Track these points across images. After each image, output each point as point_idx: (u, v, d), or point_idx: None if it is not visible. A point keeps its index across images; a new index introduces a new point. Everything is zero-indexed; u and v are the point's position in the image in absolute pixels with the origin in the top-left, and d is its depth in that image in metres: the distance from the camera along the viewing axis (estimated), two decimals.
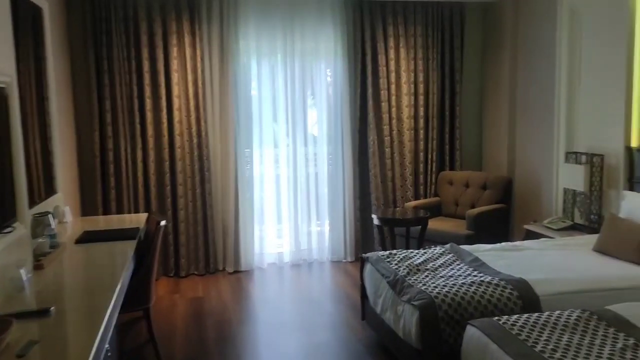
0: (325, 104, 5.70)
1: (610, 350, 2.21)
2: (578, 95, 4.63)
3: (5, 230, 2.65)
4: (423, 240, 4.78)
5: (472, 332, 2.53)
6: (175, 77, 5.14)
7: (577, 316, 2.51)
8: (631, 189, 4.10)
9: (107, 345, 2.00)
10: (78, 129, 5.04)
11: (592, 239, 3.89)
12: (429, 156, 5.79)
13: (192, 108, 5.21)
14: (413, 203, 5.43)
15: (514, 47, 5.52)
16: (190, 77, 5.18)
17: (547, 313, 2.58)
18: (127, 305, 3.42)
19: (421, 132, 5.74)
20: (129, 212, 5.07)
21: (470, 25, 5.89)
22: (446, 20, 5.70)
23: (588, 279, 3.10)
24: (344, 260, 5.66)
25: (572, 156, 4.58)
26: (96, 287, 2.50)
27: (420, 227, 4.77)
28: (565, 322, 2.47)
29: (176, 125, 5.19)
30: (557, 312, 2.60)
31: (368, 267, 3.72)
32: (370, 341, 3.71)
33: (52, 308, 2.05)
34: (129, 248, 3.11)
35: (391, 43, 5.58)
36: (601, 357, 2.15)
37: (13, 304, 2.15)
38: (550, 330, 2.40)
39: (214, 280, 5.17)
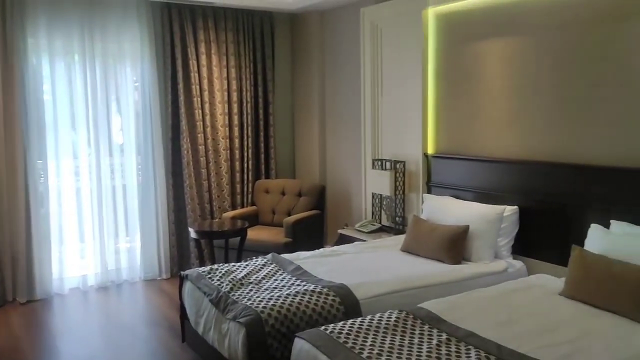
0: (132, 110, 5.28)
1: (427, 347, 2.34)
2: (381, 105, 4.96)
3: None
4: (242, 252, 4.68)
5: (300, 345, 2.49)
6: None
7: (396, 317, 2.63)
8: (429, 191, 4.51)
9: None
10: None
11: (399, 239, 4.17)
12: (245, 165, 5.72)
13: None
14: (231, 213, 5.30)
15: (321, 59, 5.74)
16: None
17: (369, 317, 2.66)
18: None
19: (236, 140, 5.64)
20: None
21: (281, 35, 5.98)
22: (257, 28, 5.70)
23: (400, 279, 3.29)
24: (159, 278, 5.30)
25: (378, 163, 4.89)
26: None
27: (239, 238, 4.66)
28: (386, 324, 2.57)
29: None
30: (378, 315, 2.69)
31: (188, 285, 3.49)
32: None
33: None
34: None
35: (202, 49, 5.39)
36: (421, 355, 2.26)
37: None
38: (373, 334, 2.47)
39: (2, 314, 4.42)
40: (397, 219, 4.75)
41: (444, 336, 2.44)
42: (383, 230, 4.81)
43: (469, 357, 2.23)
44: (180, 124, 5.36)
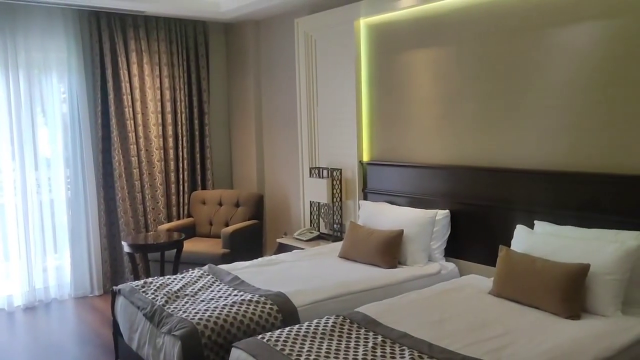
0: (60, 122, 5.09)
1: (363, 350, 2.38)
2: (317, 114, 5.01)
3: None
4: (179, 264, 4.59)
5: (237, 355, 2.47)
6: None
7: (333, 322, 2.66)
8: (365, 198, 4.59)
9: None
10: None
11: (337, 246, 4.22)
12: (181, 176, 5.63)
13: None
14: (166, 226, 5.19)
15: (257, 68, 5.75)
16: None
17: (306, 323, 2.67)
18: None
19: (171, 151, 5.54)
20: None
21: (215, 44, 5.95)
22: (190, 38, 5.65)
23: (337, 285, 3.33)
24: (91, 295, 5.11)
25: (315, 171, 4.94)
26: None
27: (175, 250, 4.57)
28: (323, 329, 2.59)
29: None
30: (315, 320, 2.71)
31: (120, 300, 3.39)
32: None
33: None
34: None
35: (134, 58, 5.28)
36: (357, 358, 2.29)
37: None
38: (310, 340, 2.49)
39: None
40: (335, 226, 4.80)
41: (380, 338, 2.48)
42: (321, 237, 4.85)
43: (403, 357, 2.29)
44: (111, 135, 5.21)
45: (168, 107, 5.50)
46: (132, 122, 5.29)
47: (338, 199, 4.74)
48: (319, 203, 4.95)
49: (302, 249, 4.50)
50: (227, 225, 5.29)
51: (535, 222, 3.34)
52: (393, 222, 3.94)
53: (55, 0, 4.57)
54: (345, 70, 4.64)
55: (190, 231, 5.36)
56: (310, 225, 5.02)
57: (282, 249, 4.80)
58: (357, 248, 3.91)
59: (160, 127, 5.48)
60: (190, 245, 4.92)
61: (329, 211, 4.88)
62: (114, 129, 5.20)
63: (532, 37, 3.40)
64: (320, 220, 5.00)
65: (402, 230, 3.79)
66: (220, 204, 5.49)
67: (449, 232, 3.90)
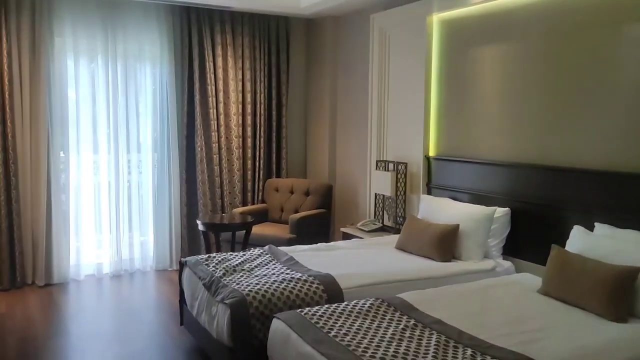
0: (150, 109, 5.56)
1: (393, 330, 2.47)
2: (387, 109, 5.10)
3: None
4: (247, 245, 4.88)
5: (277, 325, 2.66)
6: None
7: (370, 304, 2.77)
8: (429, 193, 4.62)
9: None
10: None
11: (396, 238, 4.29)
12: (257, 164, 5.94)
13: None
14: (240, 209, 5.51)
15: (334, 63, 5.92)
16: None
17: (345, 303, 2.81)
18: None
19: (249, 140, 5.86)
20: None
21: (296, 39, 6.19)
22: (273, 32, 5.93)
23: (385, 273, 3.42)
24: (170, 269, 5.54)
25: (382, 164, 5.03)
26: None
27: (244, 232, 4.86)
28: (359, 309, 2.71)
29: None
30: (355, 301, 2.83)
31: (186, 271, 3.70)
32: (188, 346, 3.69)
33: None
34: None
35: (219, 51, 5.64)
36: (385, 337, 2.40)
37: None
38: (345, 318, 2.62)
39: (21, 294, 4.73)
40: (397, 218, 4.87)
41: (412, 322, 2.57)
42: (384, 229, 4.94)
43: (429, 340, 2.36)
44: (195, 123, 5.61)
45: (248, 98, 5.82)
46: (215, 110, 5.66)
47: (402, 193, 4.80)
48: (383, 196, 5.04)
49: (362, 238, 4.61)
50: (296, 212, 5.51)
51: (595, 224, 3.24)
52: (451, 217, 3.96)
53: None
54: (416, 65, 4.69)
55: (263, 216, 5.64)
56: (374, 217, 5.12)
57: (346, 237, 4.94)
58: (412, 240, 3.97)
59: (240, 117, 5.81)
60: (260, 229, 5.20)
61: (392, 204, 4.95)
62: (198, 116, 5.59)
63: (602, 33, 3.28)
64: (384, 212, 5.08)
65: (458, 225, 3.80)
66: (292, 192, 5.73)
67: (508, 230, 3.85)
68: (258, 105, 5.89)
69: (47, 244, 5.02)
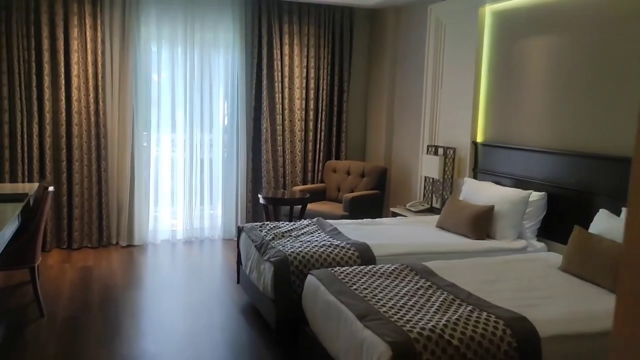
0: (222, 92, 6.10)
1: (408, 289, 2.80)
2: (440, 96, 5.33)
3: None
4: (303, 219, 5.30)
5: (310, 279, 3.06)
6: (75, 57, 5.35)
7: (395, 267, 3.10)
8: (475, 177, 4.83)
9: None
10: None
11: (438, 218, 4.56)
12: (318, 146, 6.35)
13: (91, 88, 5.44)
14: (299, 187, 5.96)
15: (393, 52, 6.19)
16: (90, 58, 5.41)
17: (372, 266, 3.16)
18: (13, 263, 3.68)
19: (311, 123, 6.28)
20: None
21: (359, 28, 6.51)
22: (337, 22, 6.29)
23: (419, 245, 3.73)
24: (234, 238, 6.09)
25: (432, 149, 5.28)
26: None
27: (301, 207, 5.30)
28: (384, 271, 3.05)
29: (74, 104, 5.40)
30: (381, 265, 3.18)
31: (243, 236, 4.18)
32: (243, 301, 4.18)
33: None
34: (12, 208, 3.37)
35: (286, 40, 6.08)
36: (399, 293, 2.73)
37: None
38: (369, 277, 2.97)
39: (106, 252, 5.44)
40: (444, 201, 5.11)
41: (428, 284, 2.87)
42: (431, 211, 5.20)
43: (438, 298, 2.66)
44: (262, 106, 6.10)
45: (312, 84, 6.23)
46: (280, 95, 6.12)
47: (449, 176, 5.04)
48: (432, 179, 5.29)
49: (406, 217, 4.91)
50: (352, 192, 5.88)
51: (623, 209, 3.36)
52: (489, 198, 4.18)
53: None
54: (468, 55, 4.89)
55: (321, 195, 6.06)
56: (423, 199, 5.39)
57: (394, 217, 5.25)
58: (451, 219, 4.23)
59: (304, 101, 6.24)
60: (317, 206, 5.61)
61: (439, 187, 5.20)
62: (265, 100, 6.08)
63: None
64: (433, 195, 5.34)
65: (493, 206, 4.02)
66: (348, 174, 6.10)
67: (544, 214, 4.02)
68: (321, 91, 6.29)
69: (130, 211, 5.70)
